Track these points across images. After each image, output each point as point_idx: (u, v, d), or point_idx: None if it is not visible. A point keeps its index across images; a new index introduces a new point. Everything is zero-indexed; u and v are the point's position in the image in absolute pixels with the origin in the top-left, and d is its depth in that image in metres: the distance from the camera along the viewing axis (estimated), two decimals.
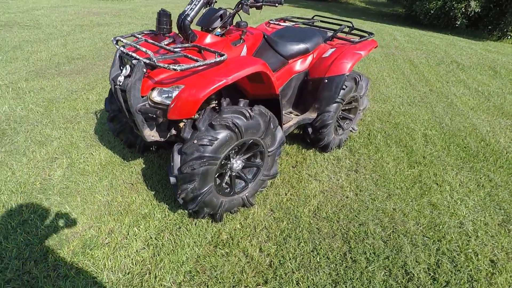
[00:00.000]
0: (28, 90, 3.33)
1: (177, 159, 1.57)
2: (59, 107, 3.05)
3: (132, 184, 2.12)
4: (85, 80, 3.75)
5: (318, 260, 1.69)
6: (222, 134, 1.54)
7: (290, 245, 1.77)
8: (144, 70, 1.54)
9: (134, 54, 1.56)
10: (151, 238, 1.73)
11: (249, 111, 1.62)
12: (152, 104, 1.64)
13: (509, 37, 8.74)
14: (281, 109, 1.94)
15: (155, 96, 1.62)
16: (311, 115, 2.39)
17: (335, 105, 2.36)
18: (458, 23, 9.24)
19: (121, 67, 1.71)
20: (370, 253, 1.76)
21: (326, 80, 2.25)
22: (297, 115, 2.44)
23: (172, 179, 1.62)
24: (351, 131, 2.86)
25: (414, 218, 2.06)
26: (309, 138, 2.55)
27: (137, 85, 1.54)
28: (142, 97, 1.61)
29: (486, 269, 1.73)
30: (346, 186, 2.31)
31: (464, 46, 7.42)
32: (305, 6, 13.49)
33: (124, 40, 1.71)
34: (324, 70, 2.26)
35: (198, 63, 1.46)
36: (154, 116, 1.58)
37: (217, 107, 1.94)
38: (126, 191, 2.05)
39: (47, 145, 2.44)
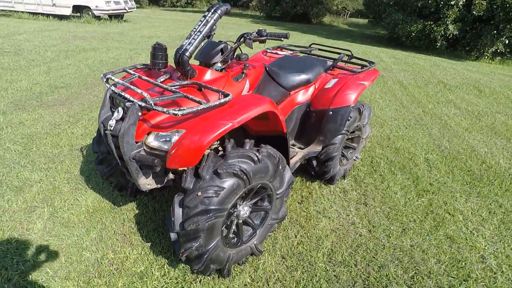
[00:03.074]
0: (5, 125, 3.07)
1: (178, 213, 1.38)
2: (40, 144, 2.81)
3: (124, 235, 1.89)
4: (70, 112, 3.53)
5: None
6: (229, 183, 1.37)
7: None
8: (139, 113, 1.38)
9: (127, 95, 1.40)
10: None
11: (257, 154, 1.46)
12: (148, 150, 1.47)
13: (486, 57, 9.16)
14: (289, 147, 1.80)
15: (152, 141, 1.45)
16: (316, 147, 2.27)
17: (340, 136, 2.25)
18: (438, 44, 9.65)
19: (112, 109, 1.54)
20: None
21: (331, 112, 2.14)
22: (300, 147, 2.31)
23: (173, 236, 1.41)
24: (354, 160, 2.75)
25: (434, 255, 1.91)
26: (314, 171, 2.42)
27: (131, 131, 1.37)
28: (136, 142, 1.43)
29: None
30: (358, 222, 2.15)
31: (447, 67, 7.69)
32: (291, 28, 13.87)
33: (115, 79, 1.55)
34: (328, 102, 2.16)
35: (201, 106, 1.31)
36: (151, 164, 1.39)
37: (219, 148, 1.78)
38: (118, 245, 1.81)
39: (25, 191, 2.18)
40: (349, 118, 2.23)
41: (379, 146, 3.28)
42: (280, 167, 1.64)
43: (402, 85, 5.66)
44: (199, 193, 1.33)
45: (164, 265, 1.70)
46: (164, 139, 1.43)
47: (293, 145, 2.34)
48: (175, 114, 1.24)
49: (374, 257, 1.87)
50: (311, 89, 2.28)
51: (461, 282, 1.74)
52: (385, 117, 4.12)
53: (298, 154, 2.17)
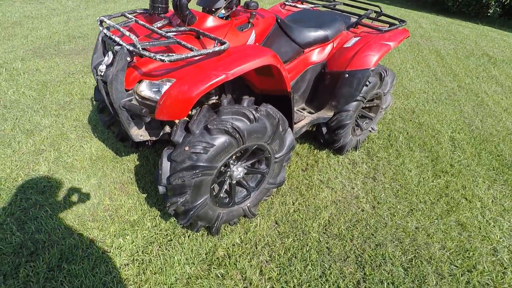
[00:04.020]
0: (23, 71, 3.12)
1: (166, 166, 1.33)
2: (54, 91, 2.84)
3: (122, 184, 1.91)
4: (84, 62, 3.51)
5: None
6: (220, 140, 1.29)
7: (295, 268, 1.53)
8: (128, 58, 1.28)
9: (117, 39, 1.30)
10: (137, 252, 1.52)
11: (254, 112, 1.35)
12: (140, 99, 1.39)
13: None
14: (293, 109, 1.65)
15: (143, 89, 1.37)
16: (327, 113, 2.10)
17: (355, 103, 2.05)
18: (491, 11, 8.46)
19: (105, 54, 1.45)
20: (388, 283, 1.52)
21: (347, 75, 1.93)
22: (310, 112, 2.15)
23: (161, 189, 1.38)
24: (370, 131, 2.56)
25: (440, 240, 1.78)
26: (323, 138, 2.27)
27: (119, 77, 1.28)
28: (127, 90, 1.35)
29: None
30: (362, 197, 2.04)
31: (496, 38, 6.79)
32: None
33: (109, 22, 1.44)
34: (345, 63, 1.94)
35: (192, 53, 1.18)
36: (140, 114, 1.33)
37: (218, 102, 1.67)
38: (115, 193, 1.84)
39: (35, 135, 2.24)
40: (367, 83, 2.01)
41: (401, 119, 3.02)
42: (281, 129, 1.52)
43: (439, 55, 5.10)
44: (187, 148, 1.26)
45: (156, 216, 1.71)
46: (156, 88, 1.34)
47: (303, 108, 2.18)
48: (162, 60, 1.13)
49: (372, 234, 1.77)
50: (328, 48, 2.05)
51: (464, 272, 1.62)
52: (413, 88, 3.76)
53: (306, 118, 2.03)
